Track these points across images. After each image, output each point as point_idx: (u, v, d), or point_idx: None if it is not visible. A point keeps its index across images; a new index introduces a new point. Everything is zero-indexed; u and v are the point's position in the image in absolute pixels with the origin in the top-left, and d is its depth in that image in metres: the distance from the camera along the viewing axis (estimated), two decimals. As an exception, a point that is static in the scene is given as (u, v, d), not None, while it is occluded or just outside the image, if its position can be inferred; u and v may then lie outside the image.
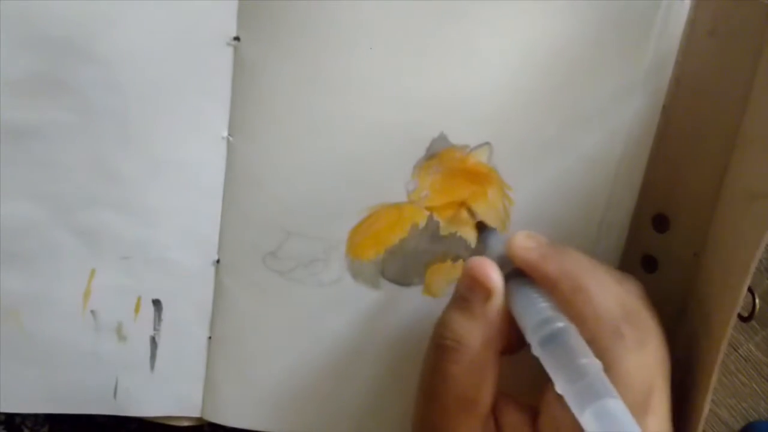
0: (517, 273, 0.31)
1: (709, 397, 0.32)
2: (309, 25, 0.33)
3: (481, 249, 0.35)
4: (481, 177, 0.35)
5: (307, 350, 0.38)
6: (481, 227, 0.35)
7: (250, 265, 0.36)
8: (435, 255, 0.36)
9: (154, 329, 0.37)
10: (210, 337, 0.38)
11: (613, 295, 0.29)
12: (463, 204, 0.36)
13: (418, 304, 0.37)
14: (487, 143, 0.35)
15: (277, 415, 0.39)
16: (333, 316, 0.37)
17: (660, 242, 0.36)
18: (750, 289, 0.33)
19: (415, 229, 0.36)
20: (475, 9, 0.33)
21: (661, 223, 0.36)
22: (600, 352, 0.28)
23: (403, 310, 0.37)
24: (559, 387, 0.27)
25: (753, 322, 0.43)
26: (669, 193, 0.36)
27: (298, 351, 0.38)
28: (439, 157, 0.35)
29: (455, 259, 0.36)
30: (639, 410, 0.28)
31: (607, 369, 0.27)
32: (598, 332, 0.28)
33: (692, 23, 0.34)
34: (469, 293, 0.31)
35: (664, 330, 0.32)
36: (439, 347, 0.31)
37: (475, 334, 0.30)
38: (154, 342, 0.38)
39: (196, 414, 0.39)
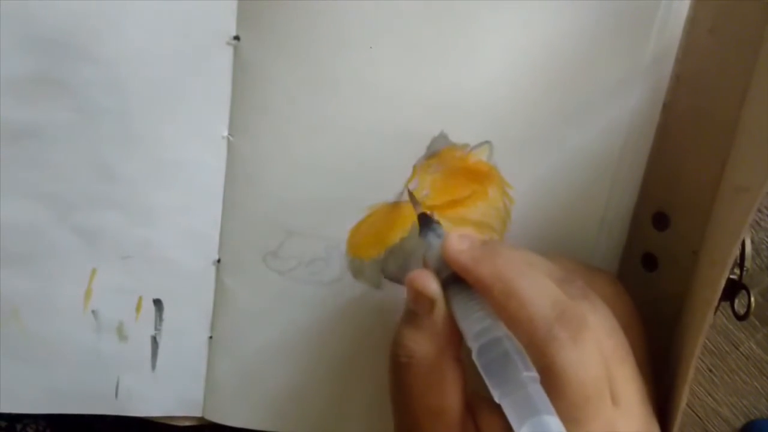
0: (456, 277, 0.31)
1: (686, 389, 0.32)
2: (309, 24, 0.33)
3: (422, 244, 0.34)
4: (481, 176, 0.35)
5: (307, 349, 0.38)
6: (423, 220, 0.34)
7: (251, 264, 0.36)
8: (436, 254, 0.36)
9: (155, 329, 0.37)
10: (211, 337, 0.38)
11: (546, 296, 0.29)
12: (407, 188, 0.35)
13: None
14: (487, 142, 0.35)
15: (277, 414, 0.39)
16: (334, 315, 0.37)
17: (660, 240, 0.36)
18: (746, 287, 0.33)
19: (415, 228, 0.36)
20: (475, 8, 0.33)
21: (661, 221, 0.36)
22: (537, 356, 0.28)
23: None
24: (496, 397, 0.27)
25: (754, 320, 0.43)
26: (669, 191, 0.36)
27: (298, 350, 0.38)
28: (439, 155, 0.35)
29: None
30: (587, 409, 0.28)
31: (546, 371, 0.27)
32: (533, 335, 0.28)
33: (692, 21, 0.34)
34: (414, 305, 0.31)
35: (641, 321, 0.32)
36: (396, 364, 0.31)
37: (425, 345, 0.30)
38: (155, 342, 0.38)
39: (198, 414, 0.39)
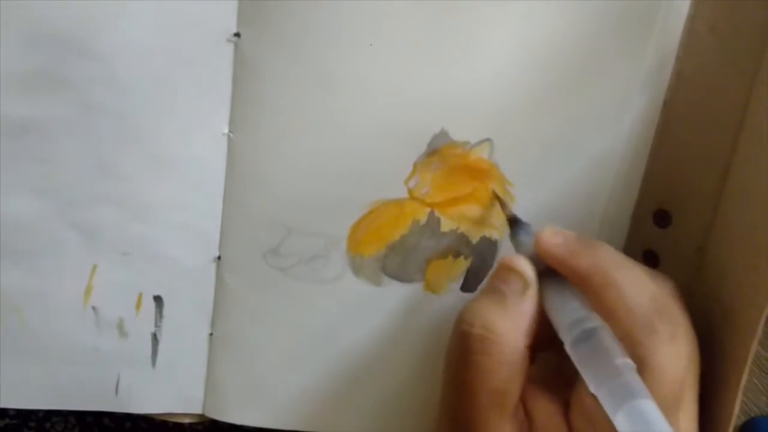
0: (549, 271, 0.31)
1: (740, 396, 0.32)
2: (310, 21, 0.33)
3: (512, 243, 0.34)
4: (482, 173, 0.35)
5: (307, 347, 0.38)
6: (513, 221, 0.34)
7: (251, 261, 0.36)
8: (436, 251, 0.36)
9: (156, 326, 0.37)
10: (211, 334, 0.38)
11: (645, 290, 0.29)
12: (492, 192, 0.35)
13: (418, 301, 0.37)
14: (488, 139, 0.35)
15: (278, 411, 0.39)
16: (334, 313, 0.37)
17: (661, 237, 0.36)
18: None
19: (415, 225, 0.36)
20: (476, 6, 0.32)
21: (662, 218, 0.36)
22: (633, 347, 0.28)
23: (404, 306, 0.37)
24: (592, 387, 0.27)
25: (754, 318, 0.43)
26: (670, 189, 0.36)
27: (299, 348, 0.38)
28: (439, 153, 0.35)
29: (456, 255, 0.36)
30: (671, 406, 0.28)
31: (642, 364, 0.27)
32: (631, 327, 0.28)
33: (693, 19, 0.34)
34: (504, 285, 0.31)
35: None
36: (469, 336, 0.30)
37: (508, 325, 0.30)
38: (155, 338, 0.38)
39: (198, 411, 0.39)
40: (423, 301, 0.37)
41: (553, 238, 0.31)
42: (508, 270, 0.31)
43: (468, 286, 0.37)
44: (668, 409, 0.27)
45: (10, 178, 0.34)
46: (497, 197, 0.35)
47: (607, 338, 0.28)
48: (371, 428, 0.39)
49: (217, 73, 0.34)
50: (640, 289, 0.29)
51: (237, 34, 0.33)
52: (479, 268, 0.37)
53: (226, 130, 0.35)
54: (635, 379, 0.27)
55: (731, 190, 0.34)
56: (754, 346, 0.31)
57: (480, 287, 0.37)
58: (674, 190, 0.36)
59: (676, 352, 0.28)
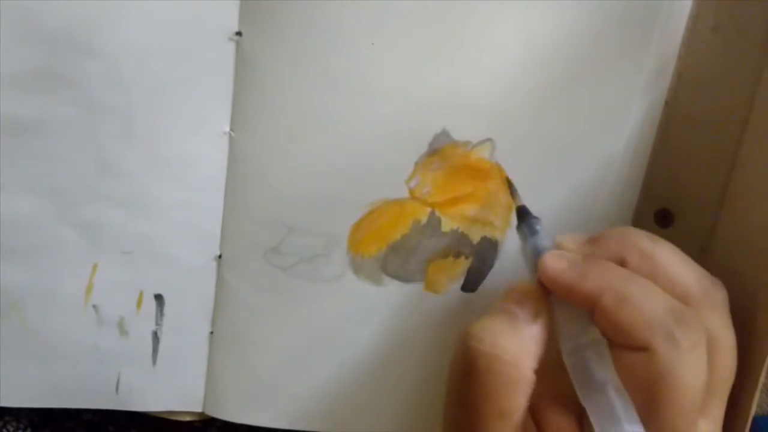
0: None
1: (757, 396, 0.32)
2: (311, 20, 0.33)
3: (518, 235, 0.33)
4: (483, 173, 0.35)
5: (308, 346, 0.38)
6: (522, 212, 0.33)
7: (252, 260, 0.36)
8: (436, 251, 0.36)
9: (156, 324, 0.38)
10: (212, 333, 0.38)
11: (661, 300, 0.28)
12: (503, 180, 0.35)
13: (419, 301, 0.37)
14: (489, 139, 0.35)
15: (278, 410, 0.39)
16: (334, 312, 0.37)
17: (663, 237, 0.36)
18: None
19: (416, 225, 0.36)
20: (478, 5, 0.32)
21: (664, 218, 0.36)
22: (654, 358, 0.27)
23: (405, 306, 0.37)
24: (582, 400, 0.28)
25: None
26: (672, 189, 0.36)
27: (299, 347, 0.38)
28: (440, 153, 0.35)
29: (457, 255, 0.36)
30: (691, 415, 0.28)
31: (662, 374, 0.27)
32: (651, 339, 0.28)
33: (695, 18, 0.34)
34: (517, 308, 0.30)
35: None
36: (476, 353, 0.29)
37: (517, 347, 0.29)
38: (156, 337, 0.38)
39: (198, 409, 0.39)
40: (423, 300, 0.37)
41: (558, 263, 0.30)
42: (523, 294, 0.30)
43: (468, 286, 0.37)
44: (688, 418, 0.27)
45: (11, 177, 0.34)
46: (509, 184, 0.34)
47: (603, 354, 0.28)
48: (370, 427, 0.39)
49: (219, 72, 0.34)
50: (655, 299, 0.28)
51: (239, 33, 0.33)
52: (480, 268, 0.36)
53: (228, 129, 0.35)
54: (622, 402, 0.27)
55: (736, 190, 0.34)
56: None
57: (480, 287, 0.37)
58: (676, 190, 0.36)
59: (697, 362, 0.28)
